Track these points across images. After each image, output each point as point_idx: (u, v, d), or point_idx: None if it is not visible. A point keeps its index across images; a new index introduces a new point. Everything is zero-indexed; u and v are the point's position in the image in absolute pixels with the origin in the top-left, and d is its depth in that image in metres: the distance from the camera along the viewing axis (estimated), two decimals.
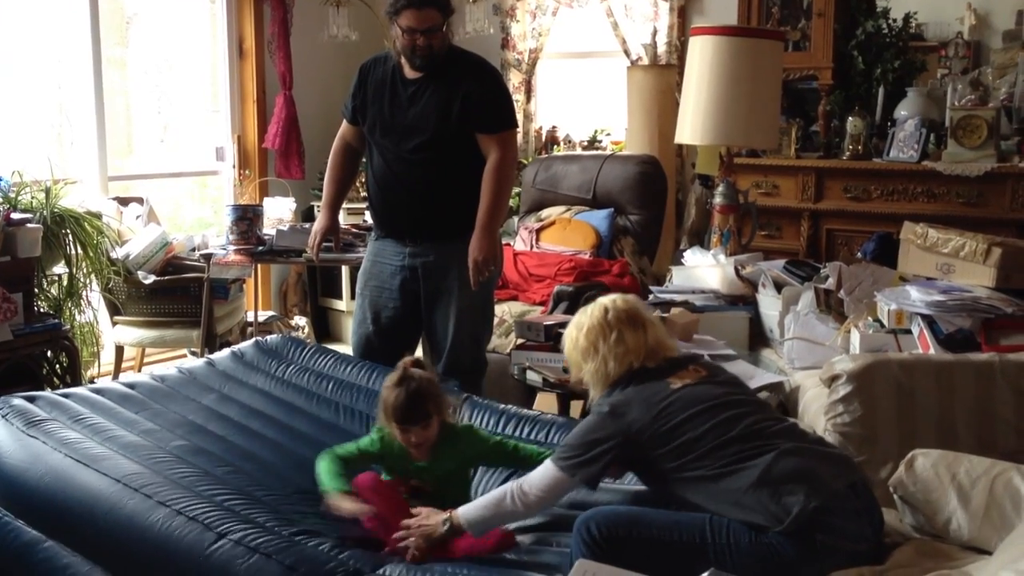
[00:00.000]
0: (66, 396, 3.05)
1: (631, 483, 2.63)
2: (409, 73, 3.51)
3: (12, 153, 4.90)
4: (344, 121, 3.75)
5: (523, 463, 2.67)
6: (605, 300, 2.53)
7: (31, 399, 2.95)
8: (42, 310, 4.31)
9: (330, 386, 3.28)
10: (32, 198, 4.39)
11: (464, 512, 2.40)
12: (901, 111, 4.93)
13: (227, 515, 2.31)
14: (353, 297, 3.81)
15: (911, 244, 3.80)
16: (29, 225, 4.11)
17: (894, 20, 5.08)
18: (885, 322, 3.47)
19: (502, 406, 3.08)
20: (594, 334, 2.46)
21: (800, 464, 2.21)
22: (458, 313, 3.57)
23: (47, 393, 3.06)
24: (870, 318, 3.55)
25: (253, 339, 3.71)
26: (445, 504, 2.55)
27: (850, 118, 4.98)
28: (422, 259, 3.59)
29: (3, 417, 2.80)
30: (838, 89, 5.14)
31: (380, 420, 2.63)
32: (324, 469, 2.59)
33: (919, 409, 2.95)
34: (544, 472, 2.36)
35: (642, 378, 2.41)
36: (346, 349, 3.76)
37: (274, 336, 3.73)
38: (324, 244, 3.82)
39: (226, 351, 3.59)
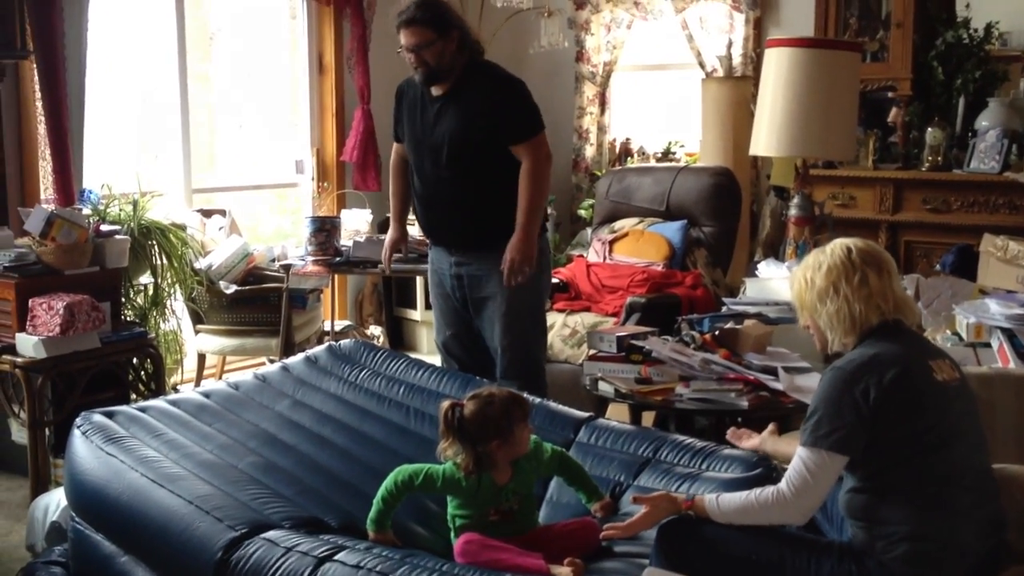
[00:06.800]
0: (143, 410, 3.08)
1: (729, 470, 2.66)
2: (434, 91, 3.63)
3: (102, 167, 5.05)
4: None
5: (584, 482, 2.68)
6: (845, 240, 2.33)
7: (110, 415, 2.99)
8: (128, 319, 4.44)
9: (401, 390, 3.32)
10: (120, 210, 4.53)
11: (710, 499, 2.23)
12: (982, 122, 4.84)
13: (294, 537, 2.35)
14: (428, 307, 3.93)
15: (991, 256, 3.73)
16: (117, 237, 4.24)
17: (975, 30, 4.99)
18: (964, 335, 3.41)
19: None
20: (835, 273, 2.27)
21: (965, 538, 2.12)
22: (503, 319, 3.68)
23: (126, 408, 3.10)
24: (949, 331, 3.49)
25: (327, 344, 3.77)
26: (526, 526, 2.57)
27: (929, 129, 4.91)
28: (466, 268, 3.73)
29: (84, 434, 2.86)
30: (917, 100, 5.06)
31: (458, 454, 2.52)
32: (380, 503, 2.51)
33: (999, 424, 2.88)
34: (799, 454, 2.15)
35: (906, 337, 2.25)
36: (421, 358, 3.81)
37: (347, 340, 3.79)
38: (395, 256, 4.04)
39: (300, 355, 3.64)
